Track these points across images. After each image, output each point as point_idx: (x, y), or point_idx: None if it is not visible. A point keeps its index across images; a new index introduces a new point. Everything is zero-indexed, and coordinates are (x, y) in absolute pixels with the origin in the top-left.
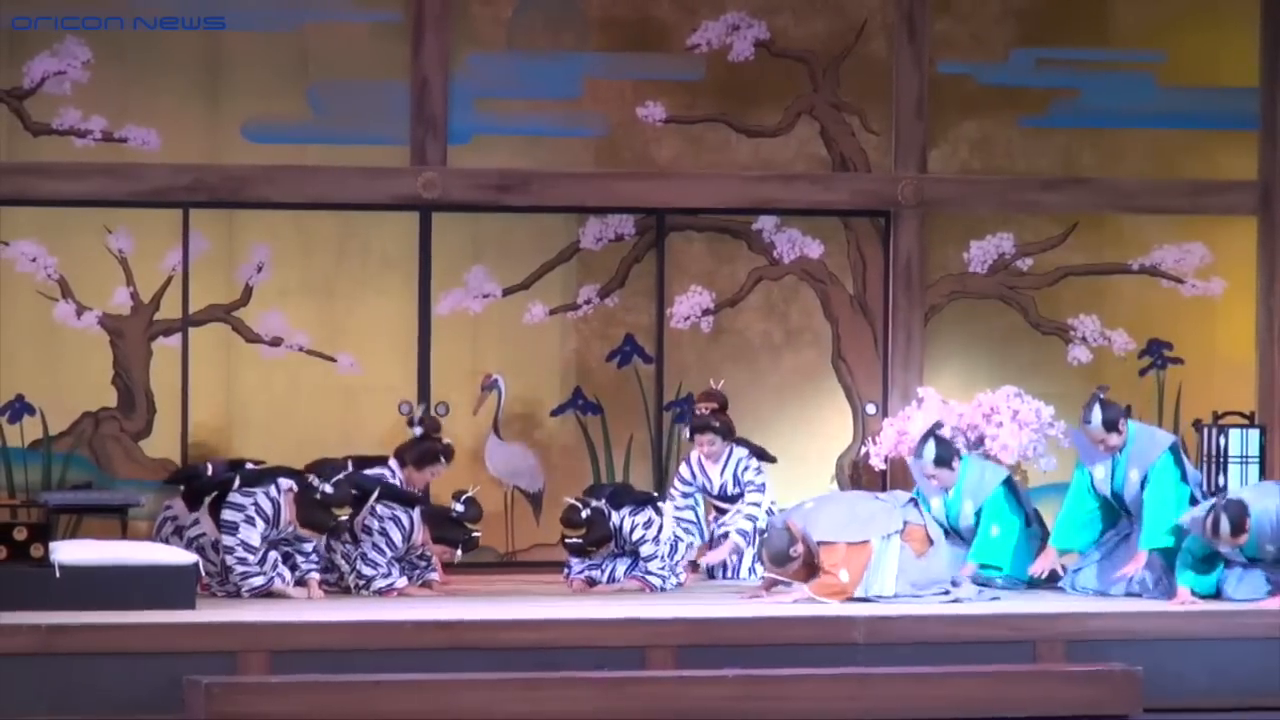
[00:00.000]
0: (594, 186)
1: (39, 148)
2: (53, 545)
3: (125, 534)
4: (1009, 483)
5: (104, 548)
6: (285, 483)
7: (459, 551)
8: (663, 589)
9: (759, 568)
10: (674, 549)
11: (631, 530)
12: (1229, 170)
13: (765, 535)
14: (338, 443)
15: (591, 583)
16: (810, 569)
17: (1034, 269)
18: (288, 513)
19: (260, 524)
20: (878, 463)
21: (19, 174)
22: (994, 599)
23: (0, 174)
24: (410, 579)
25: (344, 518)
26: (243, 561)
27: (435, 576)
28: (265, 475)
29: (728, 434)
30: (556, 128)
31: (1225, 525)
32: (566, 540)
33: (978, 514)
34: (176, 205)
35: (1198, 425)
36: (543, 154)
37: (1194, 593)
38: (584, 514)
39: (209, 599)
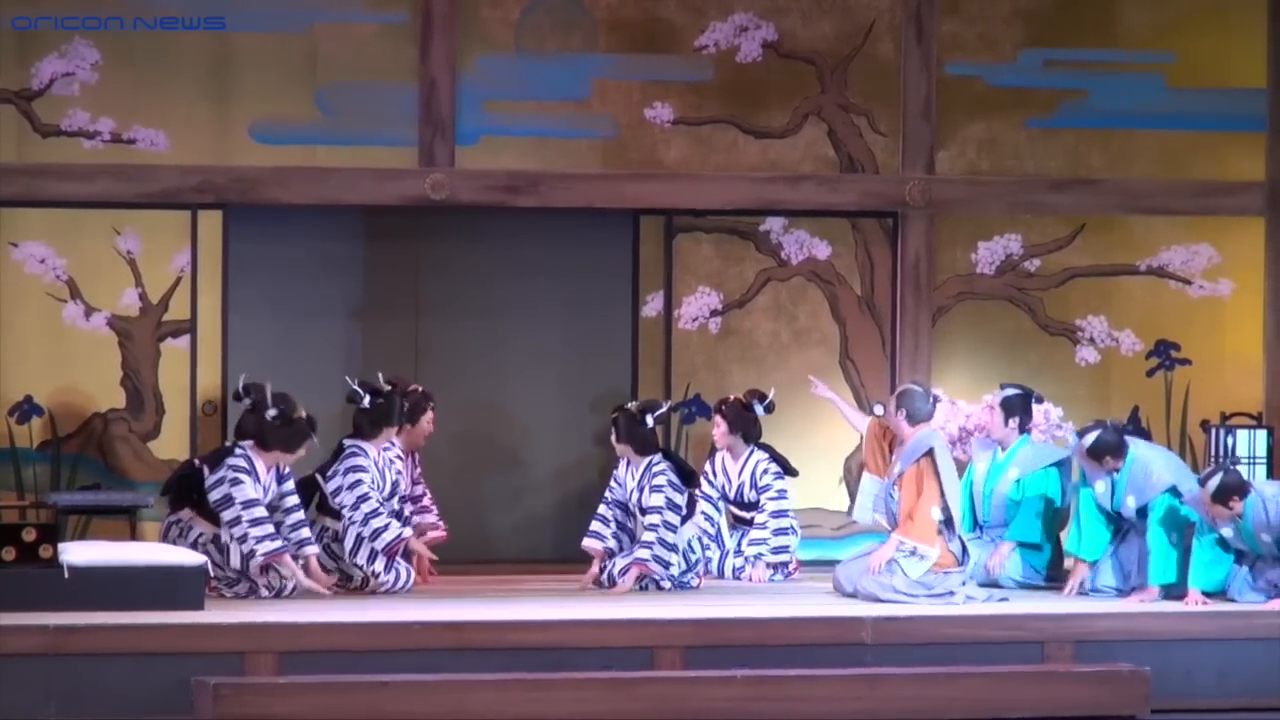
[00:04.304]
0: (602, 188)
1: (48, 149)
2: (61, 546)
3: (134, 535)
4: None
5: (112, 549)
6: (243, 444)
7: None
8: (652, 560)
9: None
10: (689, 555)
11: (655, 476)
12: (1237, 171)
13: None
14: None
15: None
16: None
17: (1042, 270)
18: (261, 464)
19: (247, 480)
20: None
21: (28, 175)
22: (1002, 599)
23: (9, 175)
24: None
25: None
26: (256, 522)
27: (432, 518)
28: (221, 450)
29: (735, 424)
30: (564, 129)
31: (1215, 484)
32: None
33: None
34: (185, 207)
35: (1205, 426)
36: (551, 155)
37: (1204, 593)
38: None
39: (217, 600)
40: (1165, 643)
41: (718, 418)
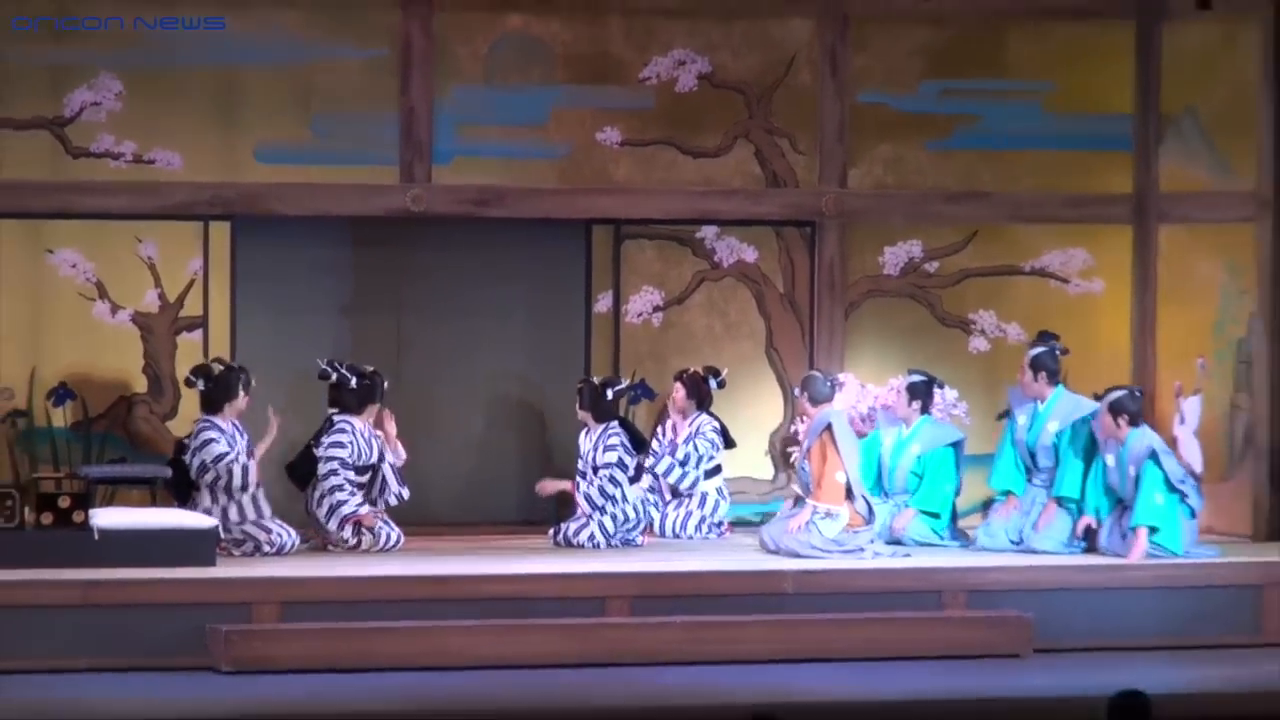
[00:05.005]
0: (559, 201)
1: (78, 169)
2: (92, 512)
3: (154, 501)
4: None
5: (136, 514)
6: (203, 418)
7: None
8: (590, 508)
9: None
10: (637, 513)
11: (610, 436)
12: (1107, 185)
13: None
14: None
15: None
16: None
17: (940, 271)
18: (221, 423)
19: (212, 433)
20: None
21: (61, 192)
22: (906, 555)
23: (45, 192)
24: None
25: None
26: (218, 458)
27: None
28: (183, 442)
29: (691, 390)
30: (527, 150)
31: (1116, 396)
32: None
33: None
34: (198, 218)
35: None
36: (515, 173)
37: (1099, 518)
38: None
39: (226, 557)
40: (1046, 592)
41: (678, 384)
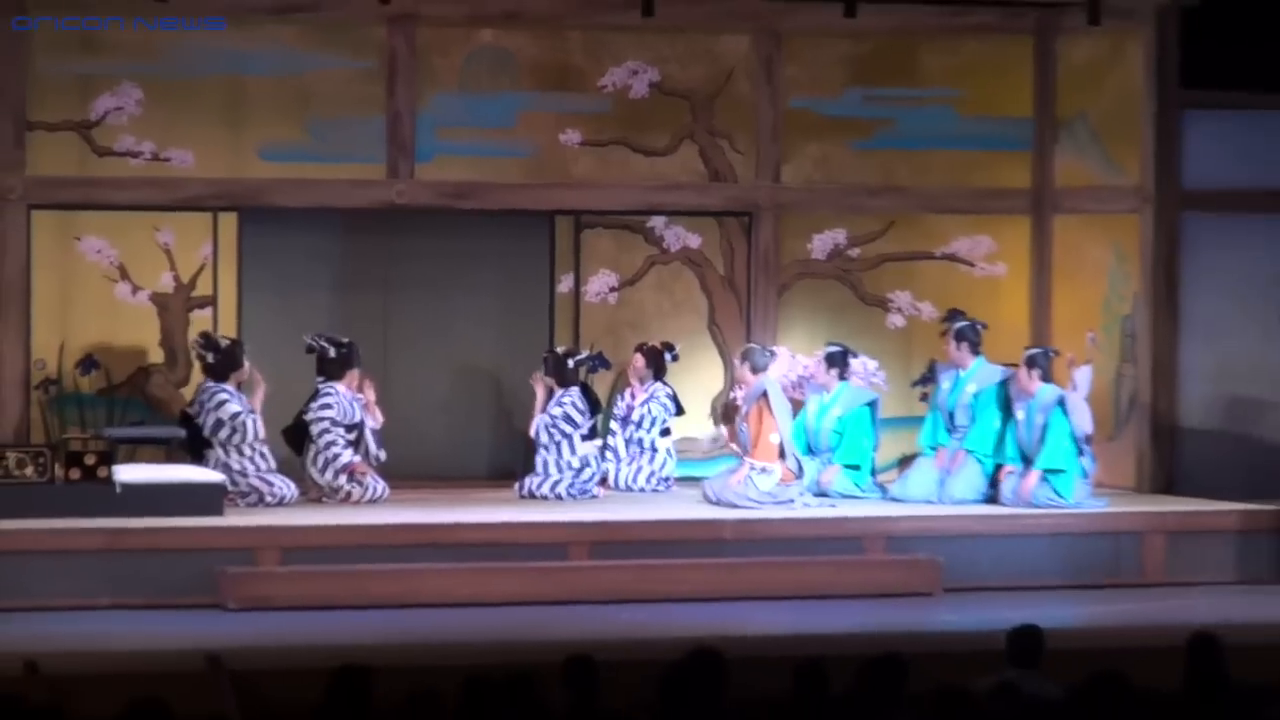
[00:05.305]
0: (526, 194)
1: (103, 166)
2: (115, 468)
3: (169, 459)
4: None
5: (153, 469)
6: (209, 384)
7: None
8: (536, 442)
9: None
10: (586, 465)
11: (564, 397)
12: (1009, 180)
13: None
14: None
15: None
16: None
17: (861, 256)
18: (230, 389)
19: (225, 395)
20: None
21: (88, 186)
22: (831, 506)
23: (73, 186)
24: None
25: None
26: (234, 416)
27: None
28: (186, 411)
29: (649, 361)
30: (497, 149)
31: (1033, 352)
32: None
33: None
34: (208, 209)
35: None
36: (487, 169)
37: (1011, 466)
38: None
39: (233, 508)
40: (955, 538)
41: (638, 355)
